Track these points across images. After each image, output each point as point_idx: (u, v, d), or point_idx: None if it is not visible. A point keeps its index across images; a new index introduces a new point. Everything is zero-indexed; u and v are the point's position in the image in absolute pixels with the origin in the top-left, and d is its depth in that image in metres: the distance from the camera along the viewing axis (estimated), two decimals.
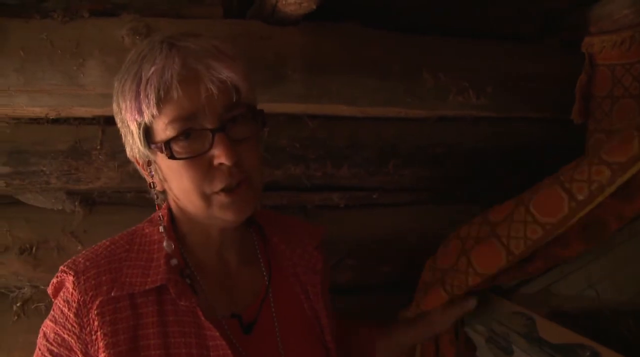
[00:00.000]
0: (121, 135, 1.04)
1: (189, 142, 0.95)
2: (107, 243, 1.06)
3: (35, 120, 1.41)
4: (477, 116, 1.55)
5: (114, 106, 1.02)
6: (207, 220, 1.04)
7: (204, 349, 0.98)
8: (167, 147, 0.95)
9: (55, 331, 0.99)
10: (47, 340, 0.99)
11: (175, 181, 0.99)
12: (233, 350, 0.99)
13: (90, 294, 0.97)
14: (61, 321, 0.98)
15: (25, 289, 1.51)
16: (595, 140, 1.49)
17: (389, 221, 1.60)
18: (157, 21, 1.34)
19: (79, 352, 0.97)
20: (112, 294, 0.97)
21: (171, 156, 0.95)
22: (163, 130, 0.95)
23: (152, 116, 0.94)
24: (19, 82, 1.30)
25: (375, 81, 1.44)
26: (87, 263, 1.01)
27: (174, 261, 1.03)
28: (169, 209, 1.11)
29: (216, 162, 0.97)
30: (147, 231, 1.08)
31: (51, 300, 1.00)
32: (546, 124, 1.62)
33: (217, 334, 0.98)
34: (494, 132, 1.60)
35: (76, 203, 1.49)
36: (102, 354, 0.94)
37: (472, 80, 1.49)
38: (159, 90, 0.93)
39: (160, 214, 1.08)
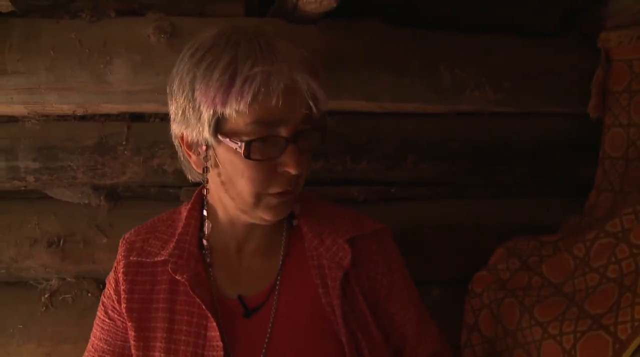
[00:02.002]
0: (171, 112, 1.04)
1: (264, 145, 0.97)
2: (156, 218, 1.23)
3: (63, 117, 1.46)
4: (495, 111, 1.57)
5: (176, 78, 1.00)
6: (244, 214, 1.08)
7: (202, 327, 1.07)
8: (248, 147, 0.96)
9: (107, 285, 1.19)
10: (103, 294, 1.20)
11: (234, 175, 1.02)
12: (227, 331, 1.07)
13: (124, 255, 1.16)
14: (109, 277, 1.18)
15: (53, 280, 1.55)
16: (612, 134, 1.51)
17: (407, 214, 1.62)
18: (182, 20, 1.37)
19: (115, 302, 1.15)
20: (132, 258, 1.14)
21: (247, 156, 0.97)
22: (242, 127, 0.96)
23: (237, 111, 0.94)
24: (49, 80, 1.34)
25: (394, 77, 1.46)
26: (133, 231, 1.20)
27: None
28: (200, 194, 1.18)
29: (282, 169, 1.01)
30: (182, 209, 1.19)
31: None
32: (565, 119, 1.63)
33: (209, 314, 1.06)
34: (513, 127, 1.62)
35: (101, 197, 1.53)
36: (123, 305, 1.12)
37: (489, 76, 1.51)
38: (258, 92, 0.92)
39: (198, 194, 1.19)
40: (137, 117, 1.48)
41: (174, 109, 1.02)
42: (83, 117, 1.46)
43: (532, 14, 1.59)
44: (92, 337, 1.22)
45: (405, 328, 1.23)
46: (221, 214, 1.12)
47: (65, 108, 1.41)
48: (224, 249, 1.15)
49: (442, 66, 1.48)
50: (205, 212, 1.14)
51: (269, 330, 1.10)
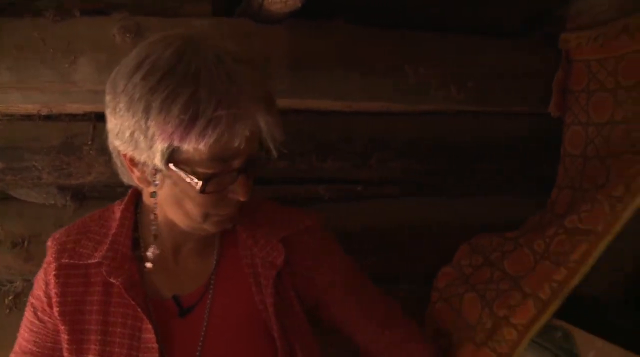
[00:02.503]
0: (111, 126, 1.01)
1: (219, 179, 0.98)
2: (87, 216, 1.19)
3: (28, 117, 1.44)
4: (460, 110, 1.60)
5: (123, 96, 0.95)
6: (189, 228, 1.08)
7: (137, 329, 1.07)
8: (205, 183, 0.95)
9: (35, 286, 1.16)
10: (31, 294, 1.17)
11: (182, 198, 1.02)
12: (163, 331, 1.08)
13: (55, 256, 1.13)
14: (38, 277, 1.15)
15: (17, 282, 1.54)
16: (572, 132, 1.55)
17: (374, 212, 1.64)
18: (148, 19, 1.37)
19: (46, 305, 1.12)
20: (64, 260, 1.12)
21: (203, 191, 0.96)
22: (197, 159, 0.95)
23: (194, 148, 0.93)
24: (11, 79, 1.33)
25: (360, 77, 1.48)
26: (64, 231, 1.17)
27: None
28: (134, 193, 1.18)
29: (233, 196, 1.02)
30: (115, 208, 1.17)
31: None
32: (529, 118, 1.67)
33: (144, 315, 1.06)
34: (478, 126, 1.65)
35: (67, 198, 1.52)
36: (55, 309, 1.09)
37: (453, 75, 1.53)
38: (221, 136, 0.91)
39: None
40: (102, 117, 1.46)
41: (119, 126, 0.98)
42: (48, 117, 1.45)
43: (497, 15, 1.62)
44: (19, 339, 1.19)
45: (355, 318, 1.27)
46: (160, 217, 1.11)
47: (30, 108, 1.39)
48: (160, 252, 1.13)
49: (407, 66, 1.50)
50: (153, 218, 1.11)
51: (204, 329, 1.11)
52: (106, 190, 1.55)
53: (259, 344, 1.13)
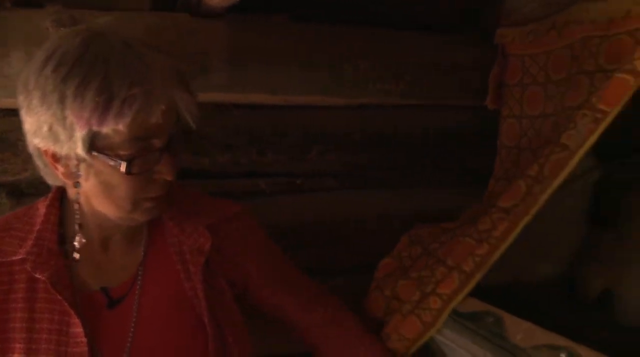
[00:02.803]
0: (28, 124, 0.99)
1: (143, 159, 0.99)
2: (10, 214, 1.17)
3: None
4: (399, 104, 1.63)
5: (35, 92, 0.94)
6: (118, 219, 1.08)
7: (65, 324, 1.06)
8: (129, 164, 0.96)
9: None
10: None
11: (110, 186, 1.02)
12: (92, 325, 1.08)
13: None
14: None
15: None
16: (507, 125, 1.59)
17: (314, 205, 1.66)
18: (83, 13, 1.35)
19: None
20: None
21: (128, 172, 0.97)
22: (119, 142, 0.96)
23: (114, 130, 0.94)
24: None
25: (299, 71, 1.50)
26: None
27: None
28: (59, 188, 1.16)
29: (159, 176, 1.03)
30: (40, 205, 1.16)
31: None
32: (467, 111, 1.71)
33: (71, 309, 1.05)
34: (417, 119, 1.69)
35: (3, 194, 1.49)
36: None
37: (391, 70, 1.57)
38: (138, 113, 0.93)
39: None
40: None
41: (35, 123, 0.97)
42: None
43: (434, 10, 1.66)
44: None
45: (285, 302, 1.31)
46: (87, 210, 1.10)
47: None
48: (87, 244, 1.13)
49: (345, 60, 1.53)
50: (77, 207, 1.10)
51: (134, 319, 1.12)
52: (44, 186, 1.52)
53: (190, 332, 1.14)
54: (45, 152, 1.01)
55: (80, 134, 0.93)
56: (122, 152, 0.97)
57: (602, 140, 1.67)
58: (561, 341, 1.10)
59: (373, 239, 1.67)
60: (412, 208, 1.71)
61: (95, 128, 0.93)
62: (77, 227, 1.11)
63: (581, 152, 1.17)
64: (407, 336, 1.36)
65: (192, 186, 1.50)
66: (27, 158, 1.37)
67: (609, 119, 1.13)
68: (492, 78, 1.62)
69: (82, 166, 1.00)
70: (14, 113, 1.38)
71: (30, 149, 1.06)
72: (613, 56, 1.23)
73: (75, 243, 1.10)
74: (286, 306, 1.32)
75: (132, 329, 1.11)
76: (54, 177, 1.08)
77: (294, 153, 1.58)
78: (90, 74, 0.91)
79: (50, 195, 1.17)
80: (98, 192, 1.03)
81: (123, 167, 0.96)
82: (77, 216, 1.10)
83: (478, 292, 1.38)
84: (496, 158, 1.62)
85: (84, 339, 1.05)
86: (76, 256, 1.10)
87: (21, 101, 0.99)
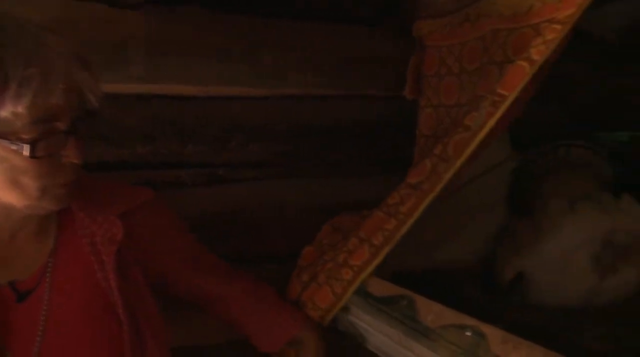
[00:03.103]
0: None
1: (47, 142, 0.95)
2: None
3: None
4: (319, 95, 1.65)
5: None
6: (27, 208, 1.05)
7: None
8: (33, 147, 0.93)
9: None
10: None
11: (16, 174, 0.98)
12: (0, 320, 1.04)
13: None
14: None
15: None
16: (425, 114, 1.63)
17: (238, 195, 1.67)
18: None
19: None
20: None
21: (33, 156, 0.94)
22: (20, 127, 0.92)
23: (13, 113, 0.90)
24: None
25: (217, 62, 1.51)
26: None
27: None
28: None
29: (66, 160, 1.00)
30: None
31: None
32: (388, 101, 1.74)
33: None
34: (338, 110, 1.71)
35: None
36: None
37: (310, 60, 1.59)
38: (37, 94, 0.90)
39: None
40: None
41: None
42: None
43: (357, 2, 1.69)
44: None
45: (205, 281, 1.34)
46: None
47: None
48: None
49: (264, 51, 1.55)
50: None
51: (44, 312, 1.09)
52: None
53: (104, 323, 1.12)
54: None
55: None
56: (24, 136, 0.93)
57: (518, 131, 1.74)
58: (467, 320, 1.14)
59: (296, 228, 1.68)
60: (335, 197, 1.74)
61: None
62: None
63: (482, 134, 1.21)
64: (321, 306, 1.42)
65: (111, 177, 1.49)
66: None
67: (507, 103, 1.18)
68: (410, 69, 1.67)
69: None
70: None
71: None
72: (518, 48, 1.28)
73: None
74: (207, 284, 1.34)
75: (42, 323, 1.08)
76: None
77: (215, 144, 1.59)
78: None
79: None
80: (4, 180, 1.01)
81: (27, 151, 0.93)
82: None
83: (399, 278, 1.42)
84: (415, 147, 1.66)
85: None
86: None
87: None
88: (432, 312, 1.22)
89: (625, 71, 1.90)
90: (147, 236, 1.23)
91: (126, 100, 1.50)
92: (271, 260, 1.70)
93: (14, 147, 0.93)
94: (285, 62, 1.56)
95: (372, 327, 1.37)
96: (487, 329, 1.09)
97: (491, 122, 1.21)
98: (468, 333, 1.12)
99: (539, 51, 1.17)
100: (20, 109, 0.90)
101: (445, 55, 1.58)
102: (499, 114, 1.19)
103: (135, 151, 1.51)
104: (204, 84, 1.51)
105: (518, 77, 1.18)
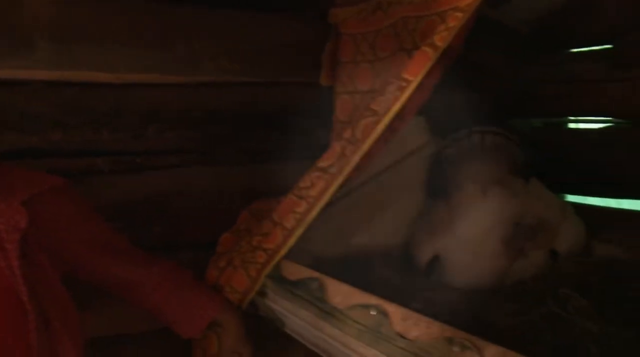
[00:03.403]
0: None
1: None
2: None
3: None
4: (236, 82, 1.66)
5: None
6: None
7: None
8: None
9: None
10: None
11: None
12: None
13: None
14: None
15: None
16: (341, 101, 1.66)
17: (156, 183, 1.66)
18: None
19: None
20: None
21: None
22: None
23: None
24: None
25: (132, 49, 1.50)
26: None
27: None
28: None
29: None
30: None
31: None
32: (305, 87, 1.77)
33: None
34: (256, 96, 1.73)
35: None
36: None
37: (225, 48, 1.60)
38: None
39: None
40: None
41: None
42: None
43: None
44: None
45: (121, 267, 1.32)
46: None
47: None
48: None
49: (178, 39, 1.54)
50: None
51: None
52: None
53: (8, 313, 1.10)
54: None
55: None
56: None
57: (436, 118, 1.79)
58: (372, 299, 1.16)
59: (216, 215, 1.69)
60: (253, 184, 1.75)
61: None
62: None
63: (387, 118, 1.24)
64: (238, 289, 1.43)
65: (23, 165, 1.45)
66: None
67: (411, 88, 1.21)
68: (326, 56, 1.69)
69: None
70: None
71: None
72: (426, 34, 1.32)
73: None
74: (122, 272, 1.32)
75: None
76: None
77: (132, 131, 1.58)
78: None
79: None
80: None
81: None
82: None
83: (320, 264, 1.44)
84: (331, 133, 1.68)
85: None
86: None
87: None
88: (340, 293, 1.25)
89: (537, 61, 1.97)
90: (54, 224, 1.21)
91: (36, 86, 1.46)
92: (191, 248, 1.69)
93: None
94: (200, 49, 1.56)
95: (288, 311, 1.38)
96: (390, 307, 1.12)
97: (396, 107, 1.23)
98: (372, 312, 1.14)
99: (442, 37, 1.21)
100: None
101: (359, 43, 1.61)
102: (403, 98, 1.22)
103: (47, 138, 1.48)
104: (117, 71, 1.49)
105: (422, 62, 1.22)
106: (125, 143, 1.58)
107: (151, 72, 1.53)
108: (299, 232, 1.36)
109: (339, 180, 1.31)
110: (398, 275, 1.64)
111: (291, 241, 1.37)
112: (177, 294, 1.38)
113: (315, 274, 1.33)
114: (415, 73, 1.21)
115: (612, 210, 1.92)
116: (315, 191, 1.34)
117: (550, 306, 1.31)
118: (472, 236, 1.56)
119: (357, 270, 1.48)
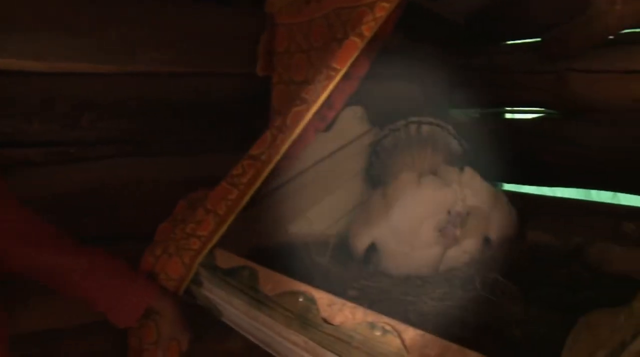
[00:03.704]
0: None
1: None
2: None
3: None
4: (171, 71, 1.65)
5: None
6: None
7: None
8: None
9: None
10: None
11: None
12: None
13: None
14: None
15: None
16: (278, 91, 1.66)
17: (91, 174, 1.64)
18: None
19: None
20: None
21: None
22: None
23: None
24: None
25: (63, 37, 1.48)
26: None
27: None
28: None
29: None
30: None
31: None
32: (241, 78, 1.77)
33: None
34: (190, 87, 1.72)
35: None
36: None
37: (159, 37, 1.59)
38: None
39: None
40: None
41: None
42: None
43: None
44: None
45: (51, 257, 1.30)
46: None
47: None
48: None
49: (111, 27, 1.52)
50: None
51: None
52: None
53: None
54: None
55: None
56: None
57: (375, 108, 1.81)
58: (301, 287, 1.18)
59: (153, 206, 1.67)
60: (190, 174, 1.75)
61: None
62: None
63: (315, 106, 1.26)
64: (173, 276, 1.44)
65: None
66: None
67: (339, 76, 1.23)
68: (261, 46, 1.70)
69: None
70: None
71: None
72: (356, 25, 1.33)
73: None
74: (49, 258, 1.30)
75: None
76: None
77: (64, 122, 1.55)
78: None
79: None
80: None
81: None
82: None
83: (256, 254, 1.45)
84: (269, 123, 1.69)
85: None
86: None
87: None
88: (271, 281, 1.26)
89: (474, 52, 2.01)
90: None
91: None
92: (129, 238, 1.67)
93: None
94: (133, 38, 1.55)
95: (223, 300, 1.39)
96: (317, 294, 1.14)
97: (325, 94, 1.25)
98: (301, 299, 1.16)
99: (369, 27, 1.23)
100: None
101: (294, 33, 1.62)
102: (331, 86, 1.24)
103: None
104: (47, 60, 1.47)
105: (350, 51, 1.24)
106: (57, 133, 1.56)
107: (83, 61, 1.51)
108: (230, 218, 1.38)
109: (269, 167, 1.32)
110: (336, 263, 1.66)
111: (223, 228, 1.39)
112: (109, 282, 1.36)
113: (247, 263, 1.34)
114: (343, 62, 1.24)
115: (545, 198, 1.98)
116: (246, 178, 1.36)
117: (478, 291, 1.35)
118: (407, 224, 1.59)
119: (294, 259, 1.49)
